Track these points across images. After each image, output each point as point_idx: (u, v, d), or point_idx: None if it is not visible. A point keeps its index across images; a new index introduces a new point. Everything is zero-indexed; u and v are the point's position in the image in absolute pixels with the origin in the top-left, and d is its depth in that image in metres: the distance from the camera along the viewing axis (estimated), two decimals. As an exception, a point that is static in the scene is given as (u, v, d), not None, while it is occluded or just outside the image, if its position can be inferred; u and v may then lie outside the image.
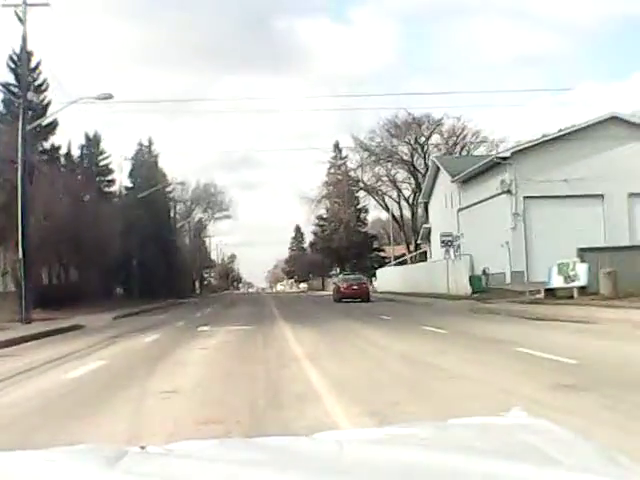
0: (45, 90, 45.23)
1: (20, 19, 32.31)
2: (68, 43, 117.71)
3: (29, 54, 39.50)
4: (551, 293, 30.98)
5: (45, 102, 45.23)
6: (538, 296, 31.77)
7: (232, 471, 1.48)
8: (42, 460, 1.60)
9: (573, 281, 30.08)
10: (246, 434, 6.51)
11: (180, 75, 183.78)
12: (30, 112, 34.30)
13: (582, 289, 29.43)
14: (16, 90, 43.03)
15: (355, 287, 46.56)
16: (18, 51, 41.11)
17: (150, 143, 74.40)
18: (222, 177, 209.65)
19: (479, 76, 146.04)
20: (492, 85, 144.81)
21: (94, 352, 16.55)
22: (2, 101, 43.68)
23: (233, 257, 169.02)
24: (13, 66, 44.87)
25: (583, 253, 30.75)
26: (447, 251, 44.96)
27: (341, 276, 55.30)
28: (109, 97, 34.24)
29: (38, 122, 37.94)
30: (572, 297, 28.95)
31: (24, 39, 33.99)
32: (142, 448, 1.76)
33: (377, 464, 1.56)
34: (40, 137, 44.78)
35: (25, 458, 1.63)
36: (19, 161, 31.02)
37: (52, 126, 45.83)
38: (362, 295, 45.64)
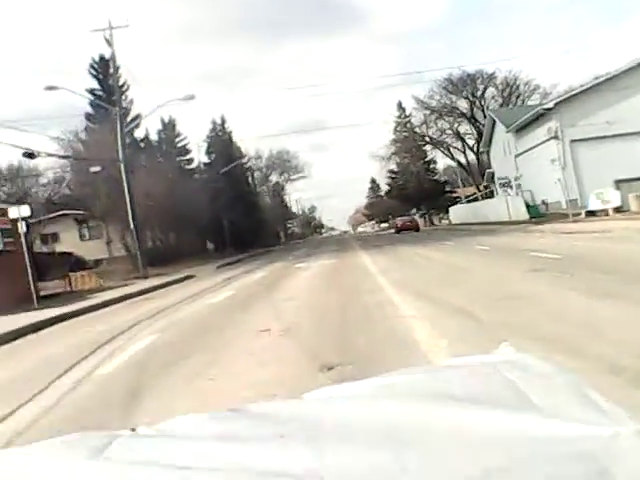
0: (127, 90, 52.29)
1: (108, 42, 39.34)
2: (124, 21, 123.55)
3: (108, 61, 46.73)
4: (592, 214, 41.09)
5: (128, 99, 52.96)
6: (580, 216, 41.05)
7: (220, 445, 1.58)
8: (22, 457, 1.64)
9: (608, 203, 41.27)
10: (344, 306, 12.53)
11: (240, 47, 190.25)
12: (115, 110, 40.82)
13: (617, 209, 40.18)
14: (101, 93, 50.45)
15: (408, 223, 70.94)
16: (97, 59, 50.01)
17: (223, 121, 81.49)
18: (293, 142, 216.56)
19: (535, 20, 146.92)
20: (547, 27, 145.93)
21: (219, 289, 22.85)
22: (90, 104, 50.34)
23: (313, 208, 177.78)
24: (95, 73, 52.54)
25: (619, 183, 42.92)
26: (505, 191, 58.44)
27: (399, 218, 79.00)
28: (192, 98, 41.13)
29: (132, 125, 45.32)
30: (607, 215, 39.35)
31: (114, 59, 41.57)
32: (132, 430, 1.84)
33: (360, 420, 1.68)
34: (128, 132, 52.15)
35: (3, 457, 1.68)
36: (120, 158, 38.71)
37: (136, 121, 52.87)
38: (413, 227, 68.62)
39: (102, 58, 51.74)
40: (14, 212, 26.60)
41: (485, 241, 29.32)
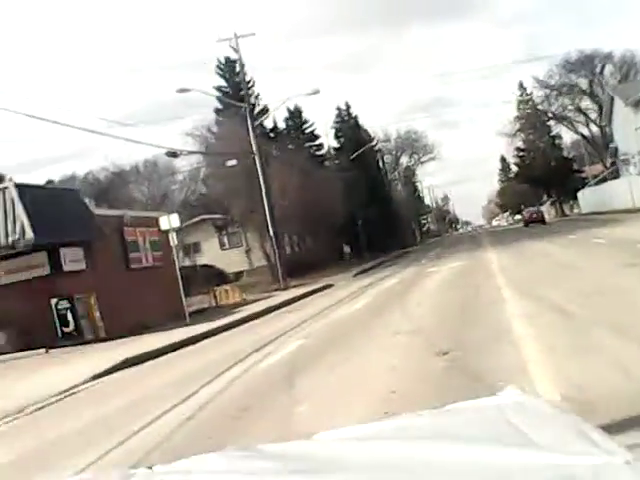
0: (252, 86, 55.47)
1: (235, 49, 42.59)
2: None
3: (234, 62, 50.26)
4: None
5: (255, 94, 55.89)
6: None
7: None
8: None
9: None
10: (462, 306, 14.68)
11: (365, 36, 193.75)
12: (244, 106, 43.65)
13: None
14: (228, 90, 53.90)
15: (534, 215, 77.90)
16: (224, 60, 53.91)
17: (348, 106, 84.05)
18: (420, 123, 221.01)
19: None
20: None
21: (356, 297, 25.12)
22: (219, 100, 53.69)
23: (446, 199, 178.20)
24: (221, 72, 56.50)
25: None
26: (627, 169, 57.59)
27: (525, 210, 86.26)
28: (317, 92, 43.61)
29: (261, 119, 48.15)
30: None
31: (242, 65, 44.88)
32: (149, 468, 1.97)
33: (374, 460, 1.78)
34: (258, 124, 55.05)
35: None
36: (255, 153, 41.07)
37: (263, 112, 55.63)
38: (539, 219, 74.85)
39: (228, 59, 55.28)
40: (165, 223, 26.74)
41: (606, 235, 30.63)
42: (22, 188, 24.66)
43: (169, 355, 17.67)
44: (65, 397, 13.41)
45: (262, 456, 1.95)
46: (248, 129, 41.64)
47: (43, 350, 22.55)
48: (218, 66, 57.41)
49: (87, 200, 33.47)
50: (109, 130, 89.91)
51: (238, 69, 49.02)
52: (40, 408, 12.55)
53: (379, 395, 8.13)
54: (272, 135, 60.99)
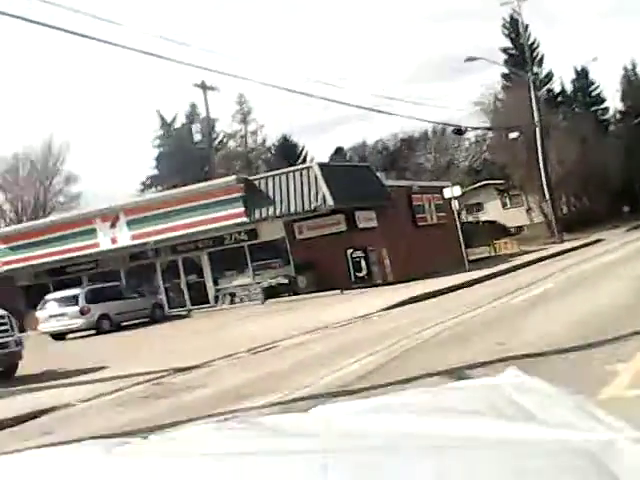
0: (537, 47, 57.53)
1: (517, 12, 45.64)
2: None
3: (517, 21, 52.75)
4: None
5: (539, 57, 58.08)
6: None
7: (224, 456, 1.65)
8: (36, 459, 1.81)
9: None
10: None
11: None
12: (527, 75, 46.36)
13: None
14: (513, 52, 56.18)
15: None
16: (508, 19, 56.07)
17: (634, 65, 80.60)
18: None
19: None
20: None
21: (616, 250, 28.14)
22: (505, 62, 55.85)
23: None
24: (507, 32, 58.47)
25: None
26: None
27: None
28: (595, 60, 46.01)
29: (545, 88, 50.57)
30: None
31: (525, 29, 48.71)
32: (144, 438, 1.97)
33: (364, 435, 1.74)
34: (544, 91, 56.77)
35: (17, 461, 1.80)
36: (537, 124, 44.37)
37: (548, 78, 57.62)
38: None
39: (512, 18, 56.50)
40: (448, 192, 32.88)
41: None
42: (323, 167, 31.04)
43: (446, 295, 21.82)
44: (360, 320, 18.09)
45: (257, 428, 1.99)
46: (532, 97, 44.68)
47: (338, 291, 27.99)
48: (504, 25, 58.47)
49: (377, 169, 39.20)
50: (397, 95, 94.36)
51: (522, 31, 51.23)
52: (340, 326, 17.28)
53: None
54: (559, 99, 61.53)
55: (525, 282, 20.61)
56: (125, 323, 28.63)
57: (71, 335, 27.57)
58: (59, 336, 27.73)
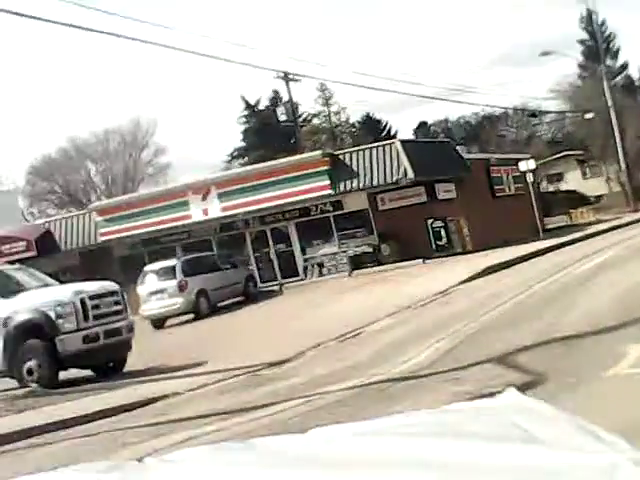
0: (612, 40, 58.58)
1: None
2: None
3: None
4: None
5: (615, 48, 59.30)
6: None
7: (224, 474, 1.66)
8: None
9: None
10: None
11: None
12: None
13: None
14: (590, 43, 56.92)
15: None
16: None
17: None
18: None
19: None
20: None
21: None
22: (582, 53, 57.40)
23: None
24: (584, 25, 59.39)
25: None
26: None
27: None
28: None
29: (618, 78, 51.82)
30: None
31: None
32: (139, 461, 1.95)
33: (363, 457, 1.73)
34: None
35: None
36: (610, 109, 45.98)
37: (622, 67, 58.42)
38: None
39: (588, 11, 57.22)
40: (523, 165, 35.54)
41: None
42: (404, 142, 33.15)
43: (519, 265, 23.47)
44: (449, 292, 19.68)
45: (255, 450, 1.96)
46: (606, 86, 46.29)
47: (420, 260, 29.78)
48: (580, 19, 59.42)
49: (458, 143, 41.04)
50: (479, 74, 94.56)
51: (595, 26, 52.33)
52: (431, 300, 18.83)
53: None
54: (637, 84, 62.73)
55: (591, 250, 22.26)
56: (221, 304, 29.29)
57: (169, 322, 27.85)
58: (158, 323, 27.82)
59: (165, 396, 12.39)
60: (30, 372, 14.77)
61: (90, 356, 15.30)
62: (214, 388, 12.65)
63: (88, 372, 15.94)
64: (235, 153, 67.86)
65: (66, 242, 36.41)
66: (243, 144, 67.52)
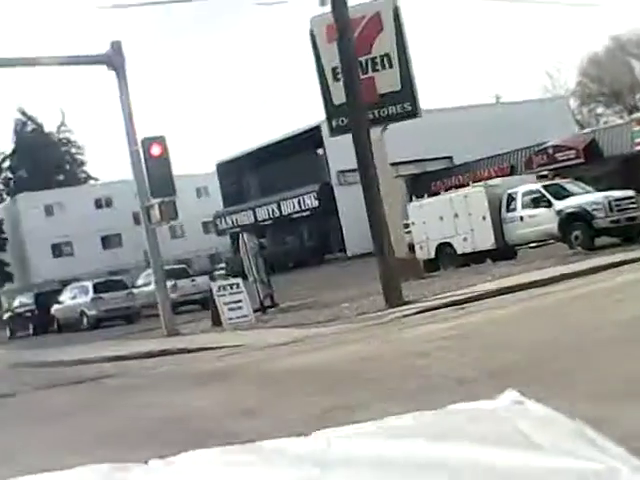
0: None
1: None
2: None
3: None
4: None
5: None
6: None
7: (228, 476, 1.69)
8: None
9: None
10: None
11: None
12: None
13: None
14: None
15: None
16: None
17: None
18: None
19: None
20: None
21: None
22: None
23: None
24: None
25: None
26: None
27: None
28: None
29: None
30: None
31: None
32: (145, 463, 1.97)
33: (365, 458, 1.76)
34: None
35: None
36: None
37: None
38: None
39: None
40: None
41: None
42: None
43: None
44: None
45: (259, 452, 1.97)
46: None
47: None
48: None
49: None
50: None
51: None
52: None
53: None
54: None
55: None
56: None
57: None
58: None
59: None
60: (576, 238, 22.89)
61: (617, 229, 23.06)
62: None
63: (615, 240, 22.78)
64: None
65: (608, 150, 38.71)
66: None
